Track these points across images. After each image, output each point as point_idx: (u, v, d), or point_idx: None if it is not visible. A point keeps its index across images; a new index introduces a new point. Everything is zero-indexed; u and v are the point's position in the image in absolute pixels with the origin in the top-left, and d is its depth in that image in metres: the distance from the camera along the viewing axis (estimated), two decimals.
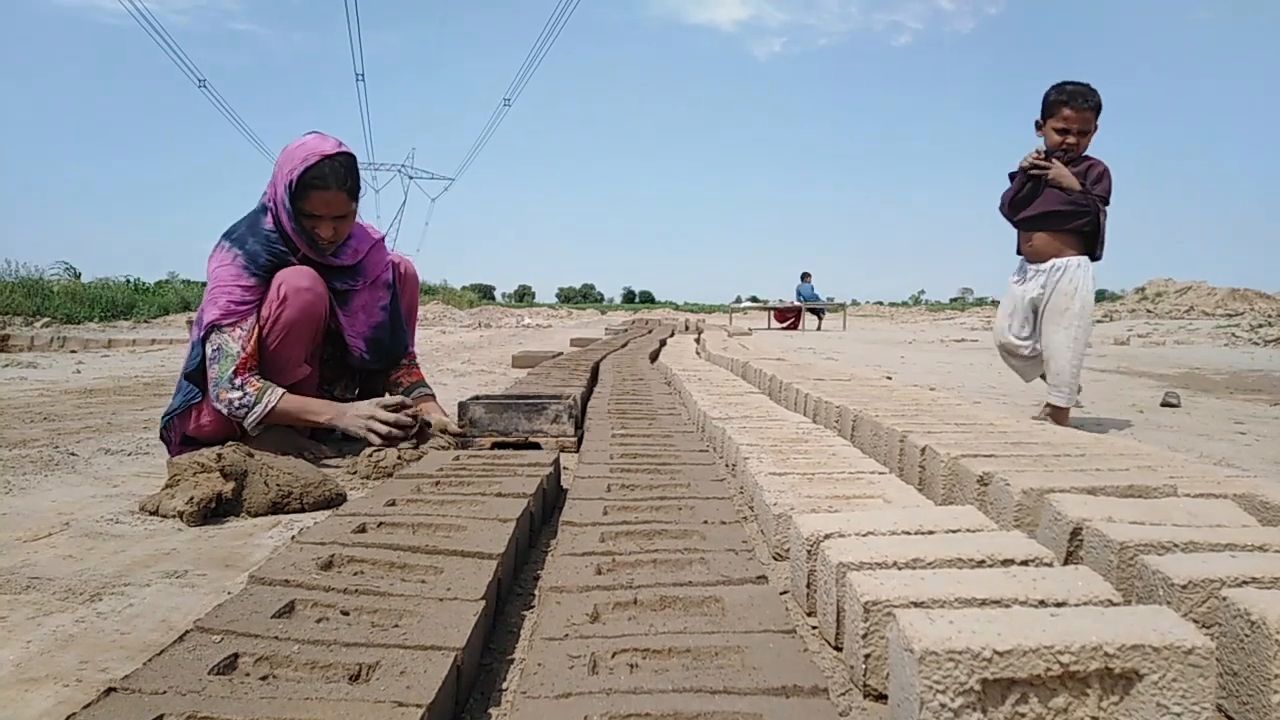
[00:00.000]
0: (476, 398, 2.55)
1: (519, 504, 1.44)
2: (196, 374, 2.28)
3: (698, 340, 7.95)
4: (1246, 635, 0.84)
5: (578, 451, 2.25)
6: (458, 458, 1.91)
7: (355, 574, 1.12)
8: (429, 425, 2.33)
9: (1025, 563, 1.05)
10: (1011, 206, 3.04)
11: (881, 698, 0.91)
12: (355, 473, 2.12)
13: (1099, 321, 14.17)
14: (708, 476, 1.68)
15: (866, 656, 0.92)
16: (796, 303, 17.16)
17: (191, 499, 1.64)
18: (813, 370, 4.10)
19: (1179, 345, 9.27)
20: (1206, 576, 0.97)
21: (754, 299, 24.80)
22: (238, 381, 2.20)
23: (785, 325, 16.96)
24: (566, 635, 0.91)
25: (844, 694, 0.94)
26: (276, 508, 1.73)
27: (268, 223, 2.32)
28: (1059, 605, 0.89)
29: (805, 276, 18.09)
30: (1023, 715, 0.73)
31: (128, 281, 18.84)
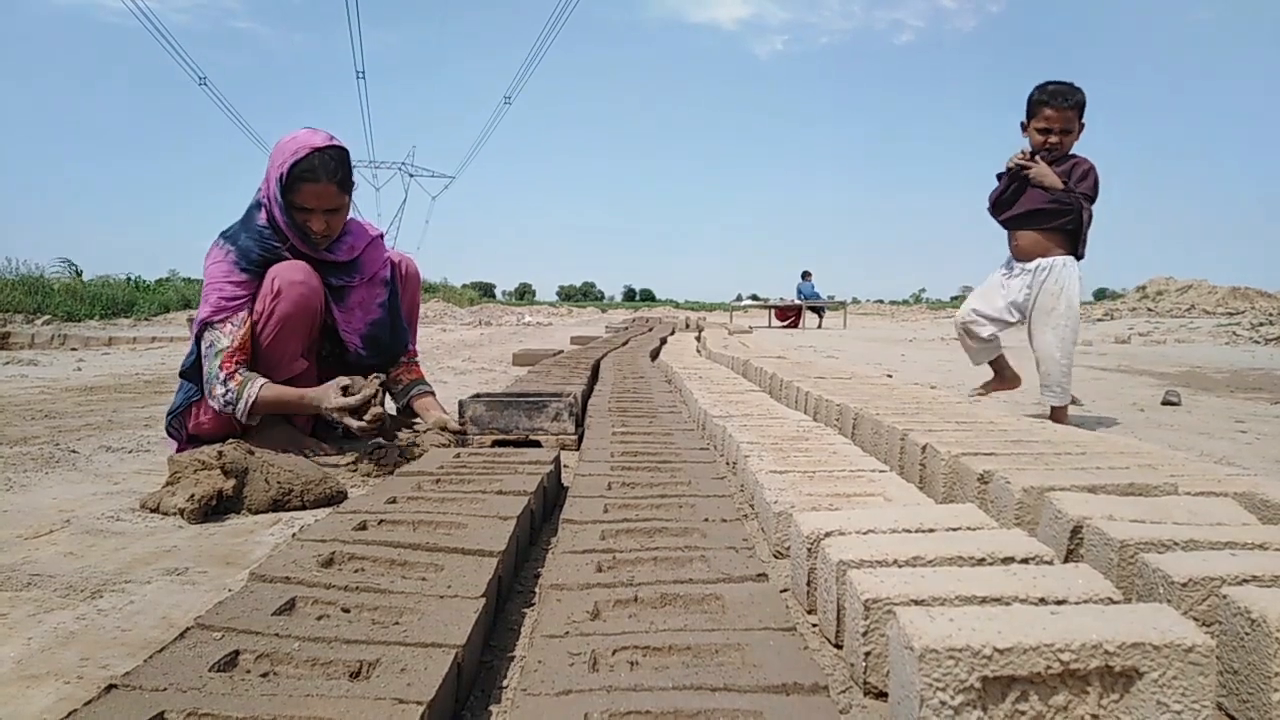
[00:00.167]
0: (477, 395, 2.55)
1: (519, 502, 1.44)
2: (192, 372, 2.28)
3: (698, 338, 7.95)
4: (1247, 633, 0.84)
5: (578, 449, 2.25)
6: (458, 455, 1.91)
7: (356, 571, 1.12)
8: (381, 408, 2.22)
9: (1026, 561, 1.05)
10: (996, 207, 3.07)
11: (882, 695, 0.91)
12: (356, 470, 2.12)
13: (1099, 320, 14.16)
14: (708, 474, 1.68)
15: (867, 654, 0.92)
16: (797, 301, 17.16)
17: (192, 496, 1.64)
18: (813, 368, 4.10)
19: (1180, 344, 9.26)
20: (1207, 575, 0.97)
21: (754, 297, 24.79)
22: (223, 376, 2.20)
23: (786, 324, 16.96)
24: (567, 633, 0.91)
25: (844, 692, 0.94)
26: (277, 505, 1.73)
27: (261, 218, 2.32)
28: (1059, 603, 0.89)
29: (806, 275, 18.09)
30: (1023, 713, 0.73)
31: (128, 279, 18.84)
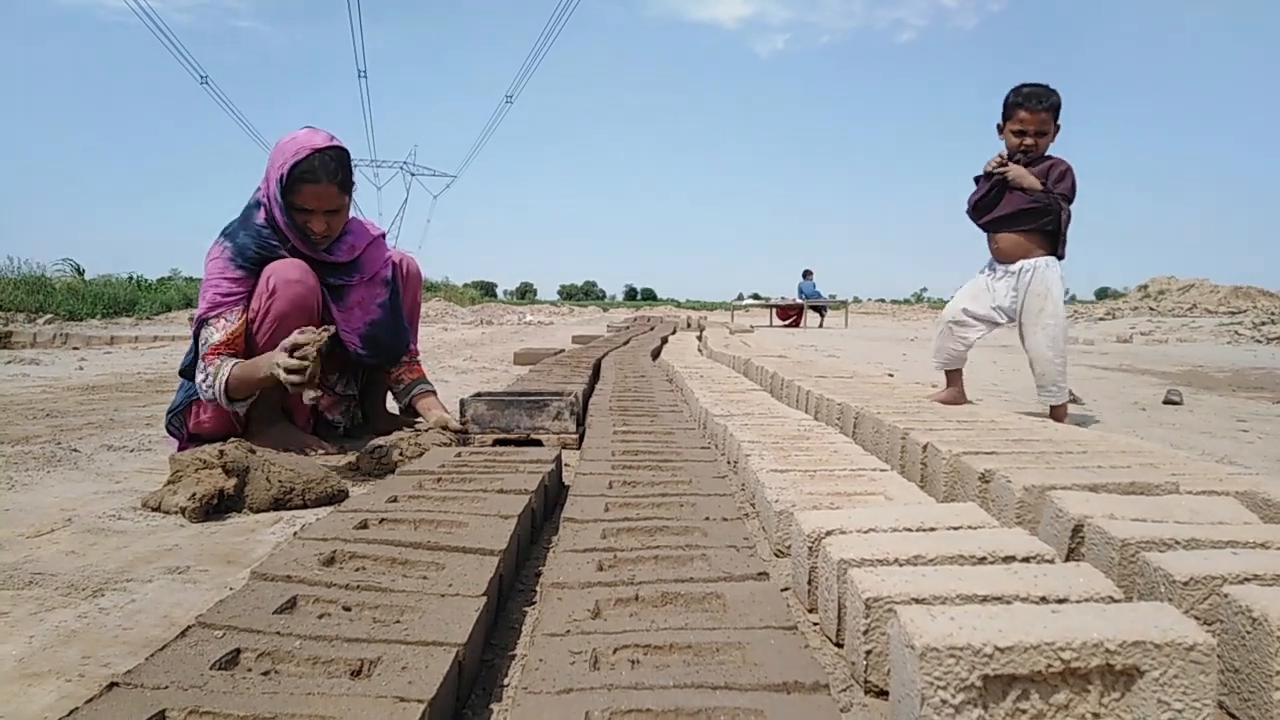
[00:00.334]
0: (478, 394, 2.55)
1: (520, 500, 1.44)
2: (191, 370, 2.29)
3: (699, 338, 7.95)
4: (1248, 632, 0.84)
5: (579, 448, 2.25)
6: (460, 454, 1.91)
7: (357, 570, 1.12)
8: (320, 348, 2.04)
9: (1027, 559, 1.05)
10: (977, 210, 3.08)
11: (883, 694, 0.91)
12: (357, 469, 2.12)
13: (1101, 319, 14.15)
14: (709, 473, 1.68)
15: (868, 653, 0.92)
16: (798, 300, 17.14)
17: (194, 495, 1.64)
18: (814, 368, 4.10)
19: (1181, 343, 9.25)
20: (1208, 573, 0.97)
21: (756, 296, 24.77)
22: (203, 365, 2.21)
23: (787, 323, 16.94)
24: (568, 631, 0.91)
25: (845, 690, 0.94)
26: (278, 504, 1.73)
27: (260, 217, 2.33)
28: (1060, 602, 0.89)
29: (807, 274, 18.06)
30: (1024, 712, 0.73)
31: (130, 278, 18.85)
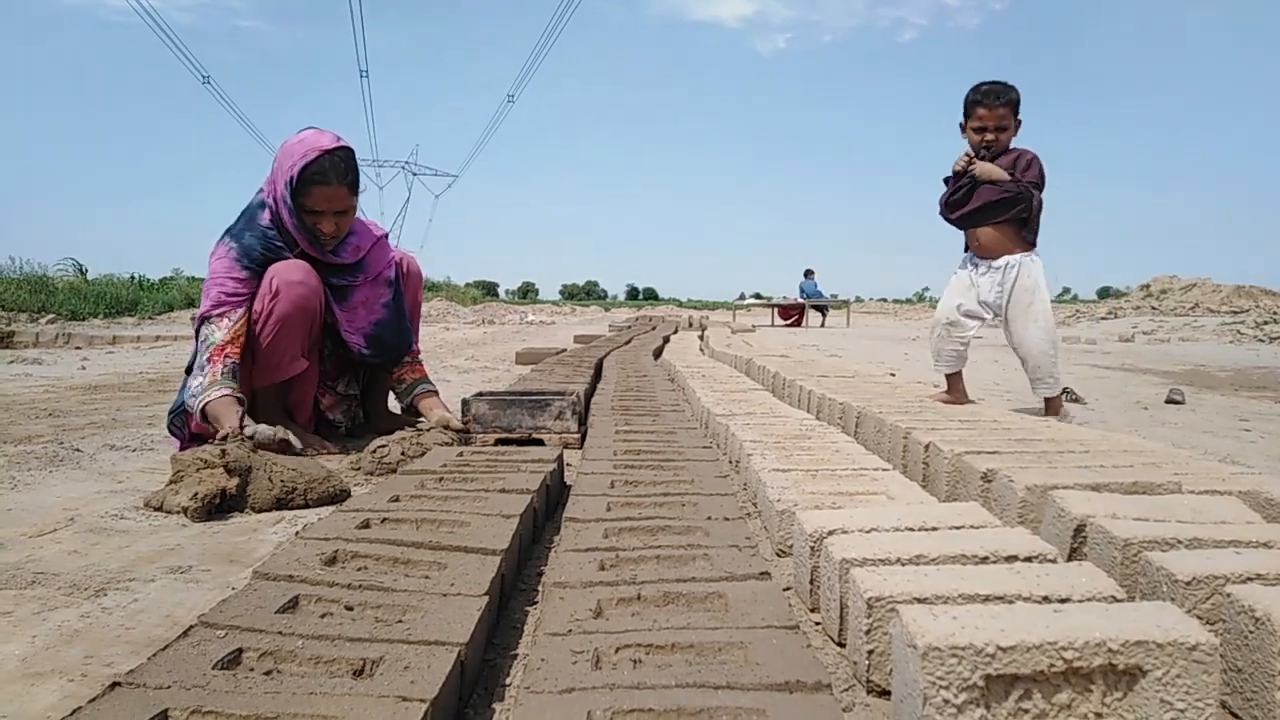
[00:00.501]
0: (480, 394, 2.55)
1: (522, 500, 1.44)
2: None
3: (701, 337, 7.95)
4: (1251, 632, 0.84)
5: (581, 448, 2.25)
6: (461, 454, 1.91)
7: (359, 569, 1.12)
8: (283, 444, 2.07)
9: (1029, 559, 1.05)
10: (949, 208, 3.13)
11: (885, 694, 0.91)
12: (359, 469, 2.12)
13: (1103, 319, 14.13)
14: (711, 473, 1.68)
15: (870, 652, 0.92)
16: (800, 300, 17.13)
17: (196, 495, 1.65)
18: (816, 367, 4.10)
19: (1184, 342, 9.24)
20: (1211, 573, 0.97)
21: (758, 296, 24.76)
22: (207, 369, 2.20)
23: (789, 322, 16.93)
24: (570, 631, 0.91)
25: (847, 690, 0.94)
26: (281, 504, 1.73)
27: (265, 218, 2.32)
28: (1063, 601, 0.89)
29: (809, 273, 18.05)
30: (1026, 711, 0.73)
31: (132, 278, 18.87)
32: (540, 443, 2.40)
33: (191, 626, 0.92)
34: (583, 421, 2.57)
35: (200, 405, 2.15)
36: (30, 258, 16.84)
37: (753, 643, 0.87)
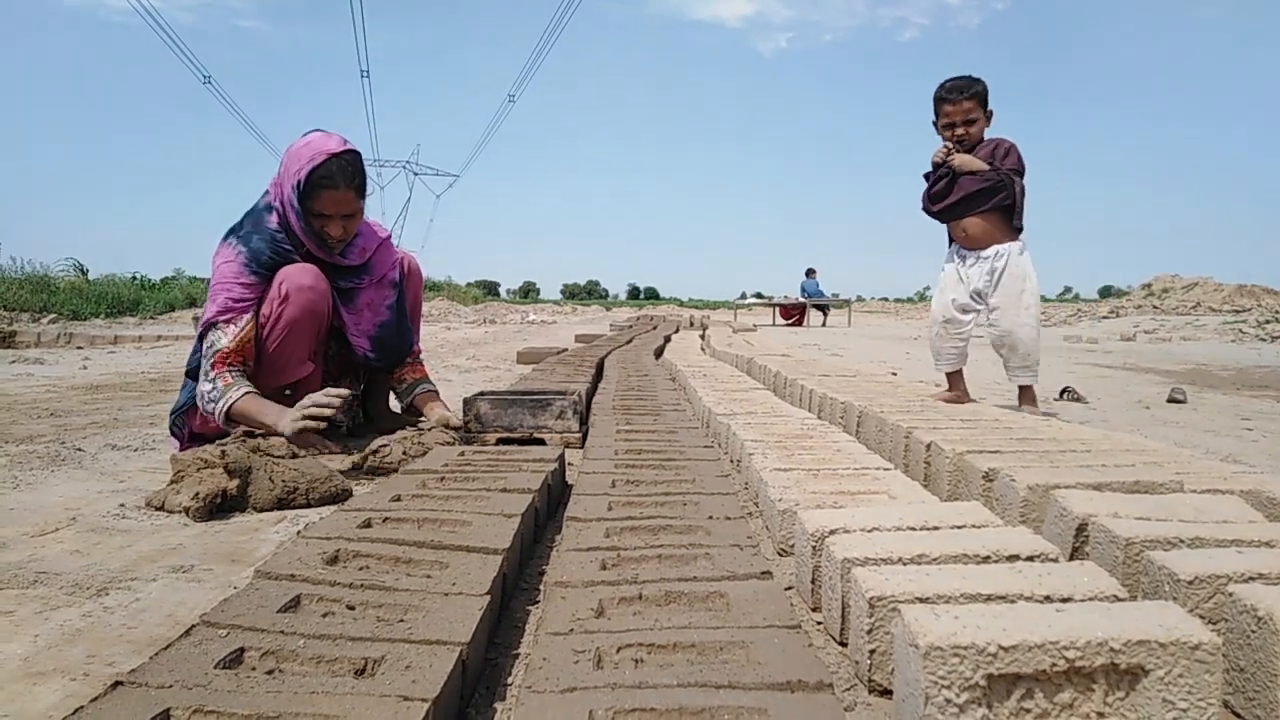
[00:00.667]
0: (482, 394, 2.55)
1: (524, 499, 1.44)
2: (196, 371, 2.29)
3: (702, 336, 7.95)
4: (1253, 631, 0.84)
5: (583, 447, 2.25)
6: (463, 453, 1.91)
7: (361, 569, 1.12)
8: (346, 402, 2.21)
9: (1031, 558, 1.05)
10: (932, 201, 3.15)
11: (886, 693, 0.91)
12: (360, 468, 2.12)
13: (1105, 318, 14.12)
14: (712, 472, 1.68)
15: (871, 652, 0.92)
16: (801, 299, 17.13)
17: (197, 494, 1.65)
18: (818, 366, 4.10)
19: (1185, 341, 9.23)
20: (1213, 572, 0.97)
21: (759, 295, 24.76)
22: (213, 375, 2.20)
23: (790, 322, 16.93)
24: (571, 630, 0.91)
25: (849, 689, 0.94)
26: (282, 503, 1.73)
27: (272, 221, 2.32)
28: (1064, 601, 0.89)
29: (810, 273, 18.05)
30: (1028, 711, 0.73)
31: (134, 278, 18.89)
32: (542, 442, 2.40)
33: (193, 626, 0.92)
34: (584, 421, 2.57)
35: (225, 408, 2.16)
36: (32, 258, 16.87)
37: (754, 642, 0.87)
